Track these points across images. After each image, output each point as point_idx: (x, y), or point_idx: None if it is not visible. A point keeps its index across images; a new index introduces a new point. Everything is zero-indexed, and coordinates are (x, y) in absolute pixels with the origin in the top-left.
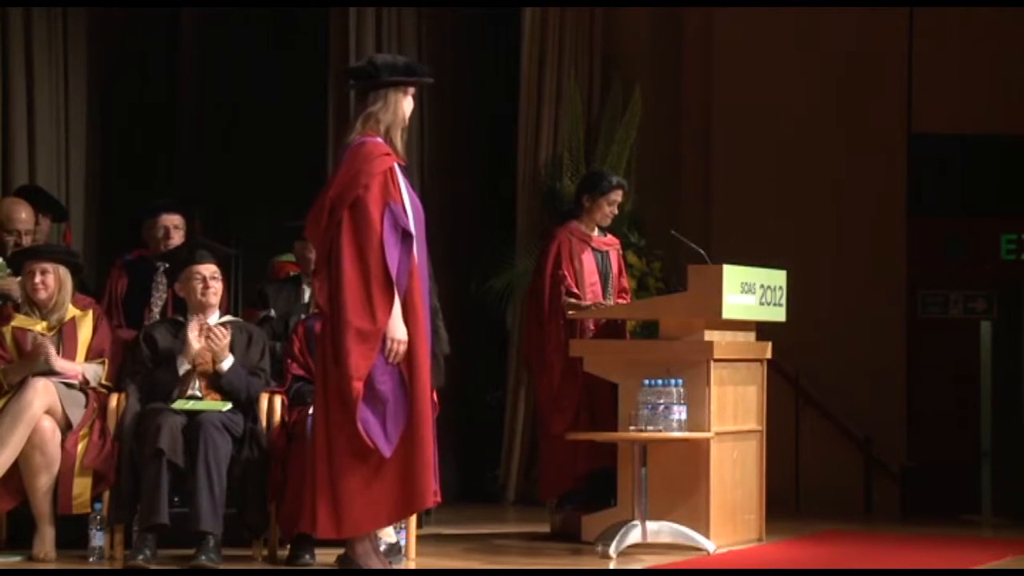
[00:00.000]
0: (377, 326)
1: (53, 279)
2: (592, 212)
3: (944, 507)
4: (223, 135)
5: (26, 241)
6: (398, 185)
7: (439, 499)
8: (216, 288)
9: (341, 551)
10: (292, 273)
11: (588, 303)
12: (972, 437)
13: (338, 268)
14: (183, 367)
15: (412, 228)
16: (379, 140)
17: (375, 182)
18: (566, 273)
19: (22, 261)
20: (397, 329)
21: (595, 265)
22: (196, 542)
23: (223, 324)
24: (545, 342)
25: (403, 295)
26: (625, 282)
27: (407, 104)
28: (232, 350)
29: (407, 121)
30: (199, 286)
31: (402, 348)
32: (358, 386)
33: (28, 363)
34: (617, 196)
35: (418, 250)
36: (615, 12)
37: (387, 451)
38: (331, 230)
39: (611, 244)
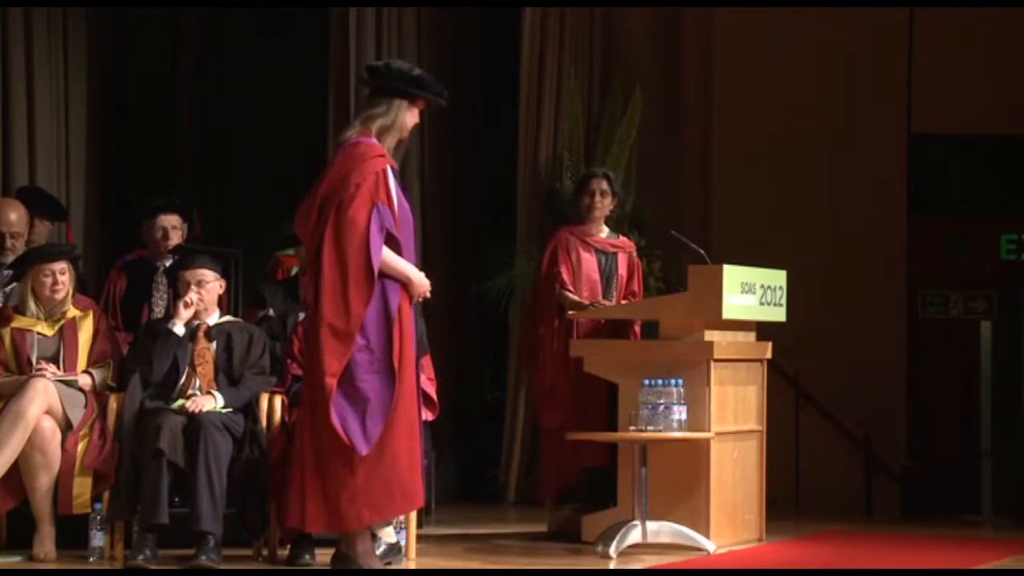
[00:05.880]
0: (350, 326)
1: (69, 278)
2: (583, 209)
3: (944, 507)
4: (223, 135)
5: (17, 244)
6: (388, 187)
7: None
8: (211, 296)
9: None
10: (294, 270)
11: (587, 302)
12: (972, 437)
13: (319, 265)
14: (177, 327)
15: (397, 231)
16: (374, 141)
17: (366, 183)
18: (562, 270)
19: (35, 262)
20: (419, 276)
21: (596, 265)
22: (196, 542)
23: (221, 324)
24: (538, 338)
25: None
26: (636, 287)
27: (410, 117)
28: (231, 352)
29: (406, 133)
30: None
31: (426, 291)
32: (331, 382)
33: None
34: (597, 184)
35: (406, 254)
36: (615, 12)
37: (363, 449)
38: (320, 227)
39: (620, 246)
